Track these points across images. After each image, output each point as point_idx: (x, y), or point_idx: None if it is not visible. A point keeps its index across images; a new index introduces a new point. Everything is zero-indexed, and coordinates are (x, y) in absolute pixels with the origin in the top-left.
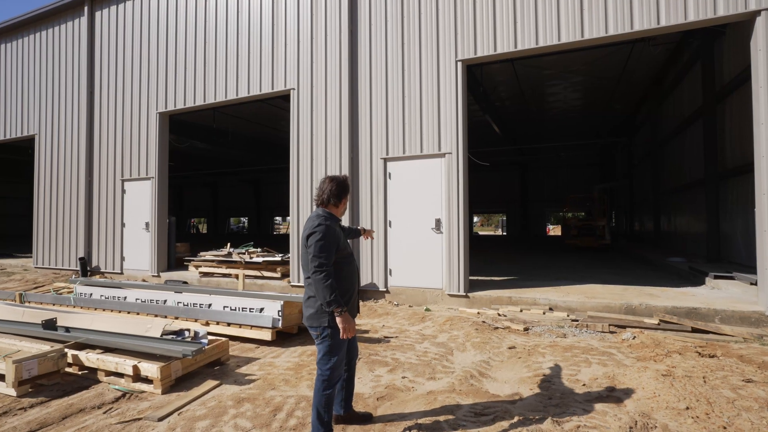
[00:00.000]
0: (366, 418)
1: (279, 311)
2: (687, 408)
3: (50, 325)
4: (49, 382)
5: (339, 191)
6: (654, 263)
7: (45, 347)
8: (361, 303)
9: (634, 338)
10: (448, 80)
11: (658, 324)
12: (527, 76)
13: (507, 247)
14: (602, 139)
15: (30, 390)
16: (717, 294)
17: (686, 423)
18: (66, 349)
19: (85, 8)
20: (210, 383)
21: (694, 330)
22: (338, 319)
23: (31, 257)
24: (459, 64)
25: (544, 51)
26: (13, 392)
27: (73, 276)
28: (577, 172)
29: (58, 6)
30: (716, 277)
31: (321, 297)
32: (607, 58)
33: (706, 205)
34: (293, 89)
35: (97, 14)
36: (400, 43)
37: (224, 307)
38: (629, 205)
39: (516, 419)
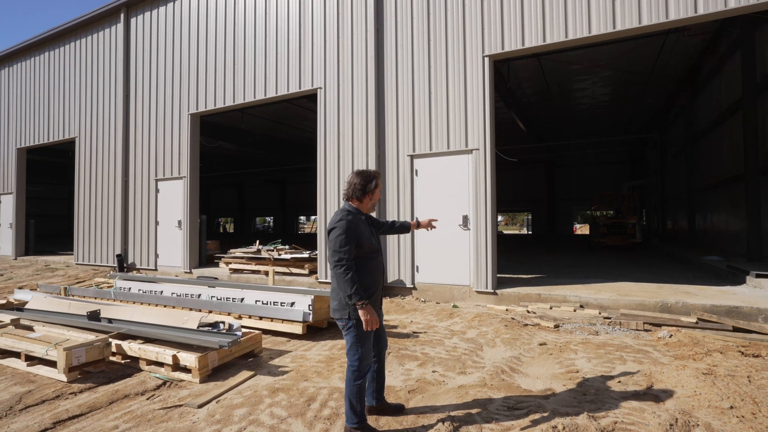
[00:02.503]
0: (399, 409)
1: (309, 305)
2: (731, 407)
3: (94, 316)
4: (95, 369)
5: (363, 186)
6: (689, 262)
7: (91, 337)
8: (388, 299)
9: (670, 336)
10: (475, 76)
11: (696, 322)
12: (554, 71)
13: (533, 246)
14: (632, 135)
15: (78, 376)
16: (760, 293)
17: (731, 422)
18: (110, 339)
19: (122, 15)
20: (245, 374)
21: (736, 329)
22: (360, 312)
23: (72, 254)
24: (486, 59)
25: (574, 44)
26: (64, 378)
27: (111, 272)
28: (605, 169)
29: (97, 14)
30: (758, 276)
31: (342, 290)
32: (638, 50)
33: (746, 201)
34: (320, 88)
35: (132, 21)
36: (426, 39)
37: (256, 301)
38: (661, 202)
39: (550, 414)
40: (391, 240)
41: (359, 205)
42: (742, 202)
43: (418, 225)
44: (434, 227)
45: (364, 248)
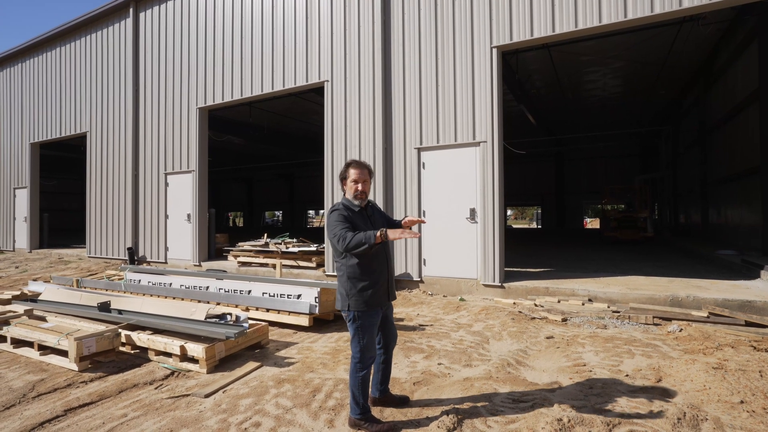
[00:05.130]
0: (403, 402)
1: (316, 298)
2: (741, 402)
3: (105, 307)
4: (105, 359)
5: (340, 175)
6: (702, 256)
7: (101, 327)
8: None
9: (680, 331)
10: (482, 68)
11: (708, 317)
12: (564, 63)
13: (542, 240)
14: (644, 127)
15: (89, 366)
16: None
17: (741, 417)
18: (120, 330)
19: (131, 10)
20: (251, 365)
21: (748, 324)
22: (385, 237)
23: (84, 248)
24: (494, 50)
25: (584, 34)
26: (75, 367)
27: (122, 264)
28: (616, 162)
29: (106, 9)
30: None
31: (362, 247)
32: (651, 40)
33: (761, 194)
34: (327, 81)
35: (141, 15)
36: (433, 31)
37: (263, 293)
38: (674, 196)
39: (556, 407)
40: None
41: (347, 195)
42: (758, 195)
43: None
44: (413, 230)
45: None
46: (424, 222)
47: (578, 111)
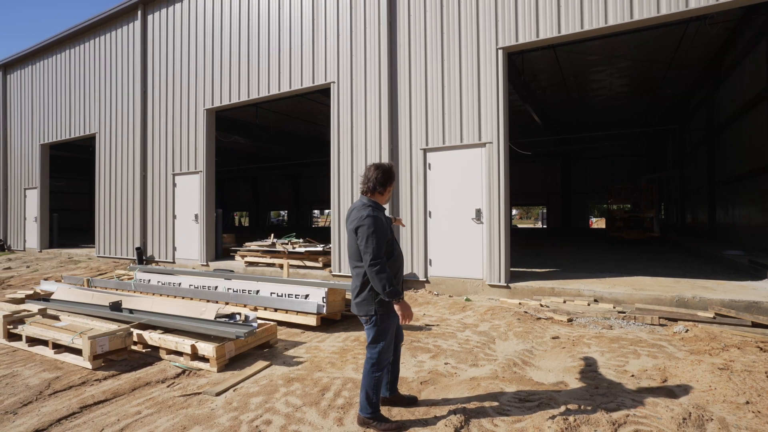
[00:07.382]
0: (411, 401)
1: (323, 298)
2: (747, 402)
3: (116, 307)
4: (118, 357)
5: (384, 179)
6: (708, 256)
7: (113, 326)
8: None
9: (686, 331)
10: (488, 69)
11: (714, 318)
12: (570, 62)
13: (548, 240)
14: (651, 127)
15: (102, 364)
16: None
17: (746, 417)
18: (131, 329)
19: (138, 12)
20: (261, 364)
21: (755, 324)
22: (396, 307)
23: (94, 247)
24: (500, 51)
25: (590, 35)
26: (89, 365)
27: (131, 264)
28: (623, 162)
29: (114, 12)
30: None
31: (378, 288)
32: (657, 40)
33: None
34: (333, 82)
35: (149, 17)
36: (439, 32)
37: (271, 293)
38: (681, 196)
39: (562, 406)
40: (405, 233)
41: (379, 198)
42: (766, 194)
43: (394, 219)
44: (402, 224)
45: (388, 242)
46: (402, 225)
47: (584, 110)
